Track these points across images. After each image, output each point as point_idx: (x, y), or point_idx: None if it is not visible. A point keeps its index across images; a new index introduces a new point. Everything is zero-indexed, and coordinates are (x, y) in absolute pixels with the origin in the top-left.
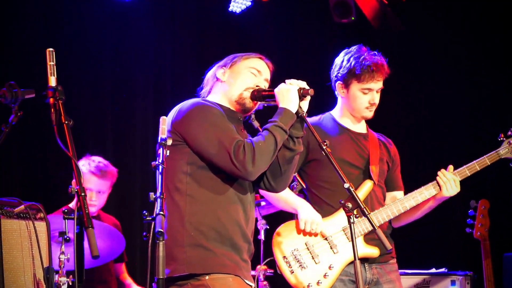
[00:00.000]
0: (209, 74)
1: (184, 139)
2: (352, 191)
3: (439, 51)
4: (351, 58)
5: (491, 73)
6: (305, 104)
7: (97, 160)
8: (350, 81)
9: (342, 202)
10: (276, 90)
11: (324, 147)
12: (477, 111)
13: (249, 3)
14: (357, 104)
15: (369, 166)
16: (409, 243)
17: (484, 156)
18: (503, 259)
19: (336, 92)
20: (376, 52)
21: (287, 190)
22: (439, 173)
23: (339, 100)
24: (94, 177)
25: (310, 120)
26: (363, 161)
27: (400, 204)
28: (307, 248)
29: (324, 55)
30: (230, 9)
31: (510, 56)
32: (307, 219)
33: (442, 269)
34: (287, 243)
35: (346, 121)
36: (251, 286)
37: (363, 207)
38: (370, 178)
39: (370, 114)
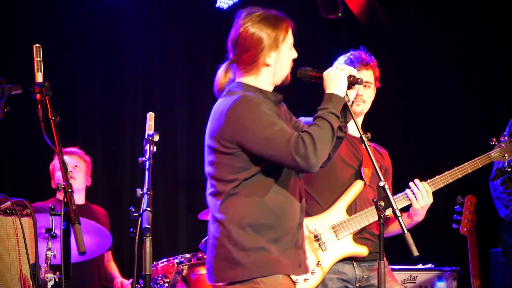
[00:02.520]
0: (249, 59)
1: (238, 145)
2: (387, 190)
3: (428, 47)
4: (346, 55)
5: (483, 70)
6: (352, 93)
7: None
8: None
9: (375, 200)
10: (325, 74)
11: (365, 140)
12: (469, 108)
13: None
14: None
15: (361, 167)
16: (396, 239)
17: (476, 158)
18: (490, 255)
19: None
20: (370, 54)
21: None
22: (411, 183)
23: None
24: (69, 156)
25: (306, 119)
26: (357, 162)
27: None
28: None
29: (311, 51)
30: (217, 5)
31: (504, 53)
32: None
33: (429, 265)
34: None
35: None
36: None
37: (395, 208)
38: (362, 179)
39: (357, 108)
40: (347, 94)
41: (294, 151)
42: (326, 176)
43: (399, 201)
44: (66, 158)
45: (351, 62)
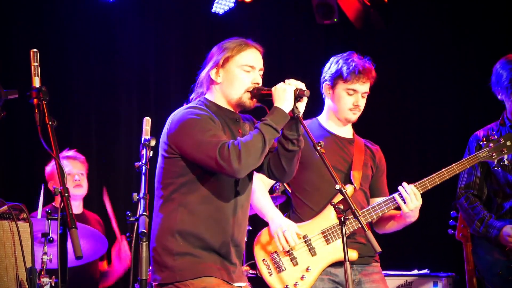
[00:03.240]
0: (203, 75)
1: (178, 151)
2: (344, 192)
3: (424, 50)
4: (340, 60)
5: (477, 73)
6: (301, 105)
7: (63, 152)
8: (337, 81)
9: (333, 203)
10: (273, 89)
11: (318, 148)
12: (465, 111)
13: (232, 4)
14: (341, 105)
15: (351, 171)
16: (391, 244)
17: (463, 159)
18: None
19: (323, 95)
20: (366, 58)
21: (265, 196)
22: (399, 187)
23: (326, 103)
24: (70, 161)
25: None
26: (346, 165)
27: (368, 213)
28: (286, 251)
29: (306, 56)
30: (213, 10)
31: (504, 53)
32: (278, 230)
33: (425, 271)
34: (267, 246)
35: (332, 125)
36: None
37: (354, 208)
38: (351, 182)
39: (353, 117)
40: (296, 107)
41: (218, 155)
42: (316, 182)
43: (387, 206)
44: (71, 164)
45: (349, 71)
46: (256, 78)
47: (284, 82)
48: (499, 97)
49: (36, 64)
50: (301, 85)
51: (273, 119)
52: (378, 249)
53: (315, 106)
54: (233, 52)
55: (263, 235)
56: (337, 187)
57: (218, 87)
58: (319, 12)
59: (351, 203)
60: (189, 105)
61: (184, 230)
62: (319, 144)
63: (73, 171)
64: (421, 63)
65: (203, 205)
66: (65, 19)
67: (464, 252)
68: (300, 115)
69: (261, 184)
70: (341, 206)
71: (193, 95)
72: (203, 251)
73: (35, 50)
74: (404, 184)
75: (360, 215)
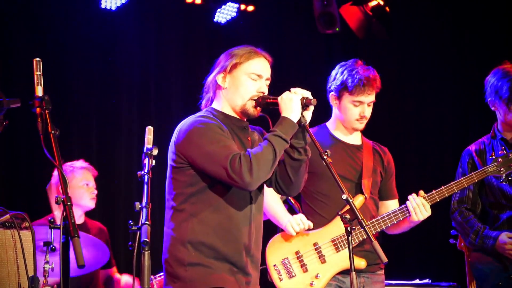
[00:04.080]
0: (210, 79)
1: (186, 160)
2: (351, 202)
3: (425, 60)
4: (345, 71)
5: (477, 73)
6: (308, 114)
7: (75, 162)
8: (342, 93)
9: (340, 213)
10: (279, 99)
11: (325, 157)
12: (466, 120)
13: (234, 14)
14: (348, 116)
15: (361, 179)
16: (393, 254)
17: (472, 173)
18: None
19: (331, 104)
20: (370, 67)
21: (278, 202)
22: (409, 197)
23: (333, 111)
24: (88, 172)
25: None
26: (356, 174)
27: (377, 223)
28: (297, 257)
29: (308, 65)
30: (215, 19)
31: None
32: (291, 220)
33: (426, 280)
34: (278, 251)
35: (340, 133)
36: None
37: (360, 218)
38: (362, 192)
39: (360, 126)
40: (303, 116)
41: (230, 168)
42: (327, 191)
43: (396, 216)
44: (90, 174)
45: (353, 84)
46: (262, 87)
47: (289, 91)
48: (492, 108)
49: (38, 73)
50: (307, 94)
51: (282, 129)
52: (385, 259)
53: (319, 114)
54: (242, 59)
55: (275, 241)
56: (344, 196)
57: (223, 93)
58: (321, 21)
59: (357, 213)
60: (197, 114)
61: (195, 240)
62: (326, 153)
63: (91, 184)
64: (422, 68)
65: (213, 214)
66: (67, 27)
67: (465, 262)
68: (307, 124)
69: (273, 191)
70: (348, 216)
71: (203, 102)
72: (216, 261)
73: (38, 59)
74: (413, 195)
75: (367, 225)
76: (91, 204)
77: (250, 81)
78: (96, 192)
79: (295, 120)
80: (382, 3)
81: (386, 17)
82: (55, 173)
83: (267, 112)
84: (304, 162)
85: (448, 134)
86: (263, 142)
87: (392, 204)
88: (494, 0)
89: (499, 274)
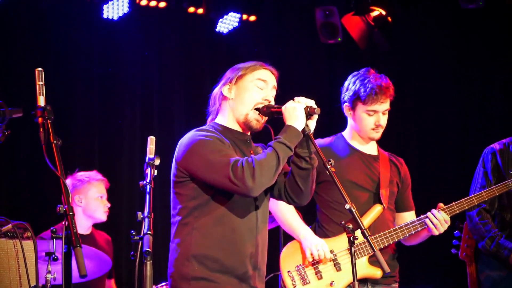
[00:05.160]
0: (216, 91)
1: (188, 173)
2: (354, 212)
3: (427, 71)
4: (357, 81)
5: (479, 81)
6: (312, 123)
7: (89, 172)
8: (356, 103)
9: (343, 223)
10: (283, 108)
11: (328, 167)
12: (464, 121)
13: (236, 24)
14: (363, 126)
15: (379, 189)
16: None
17: (493, 186)
18: None
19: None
20: (382, 75)
21: (294, 213)
22: (429, 215)
23: (348, 122)
24: (102, 184)
25: (323, 141)
26: (373, 184)
27: (395, 233)
28: (312, 264)
29: (310, 75)
30: (217, 29)
31: (502, 74)
32: (312, 246)
33: None
34: (293, 258)
35: (356, 143)
36: None
37: (363, 228)
38: (380, 201)
39: (377, 135)
40: (307, 125)
41: (232, 173)
42: (342, 201)
43: (414, 227)
44: (101, 187)
45: (366, 93)
46: (268, 95)
47: (293, 100)
48: None
49: (41, 83)
50: (311, 103)
51: (286, 137)
52: (387, 269)
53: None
54: (247, 70)
55: (290, 247)
56: (347, 206)
57: (229, 104)
58: (323, 31)
59: (360, 223)
60: (198, 128)
61: (199, 254)
62: (330, 162)
63: (105, 196)
64: (423, 77)
65: (217, 227)
66: (69, 37)
67: (467, 272)
68: (311, 133)
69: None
70: (351, 226)
71: (209, 118)
72: (220, 274)
73: (40, 69)
74: (434, 211)
75: (370, 235)
76: (103, 217)
77: (256, 88)
78: (109, 205)
79: (300, 128)
80: (384, 13)
81: (388, 27)
82: (68, 181)
83: (271, 124)
84: (312, 171)
85: (448, 134)
86: (267, 149)
87: (408, 216)
88: (494, 0)
89: (508, 282)
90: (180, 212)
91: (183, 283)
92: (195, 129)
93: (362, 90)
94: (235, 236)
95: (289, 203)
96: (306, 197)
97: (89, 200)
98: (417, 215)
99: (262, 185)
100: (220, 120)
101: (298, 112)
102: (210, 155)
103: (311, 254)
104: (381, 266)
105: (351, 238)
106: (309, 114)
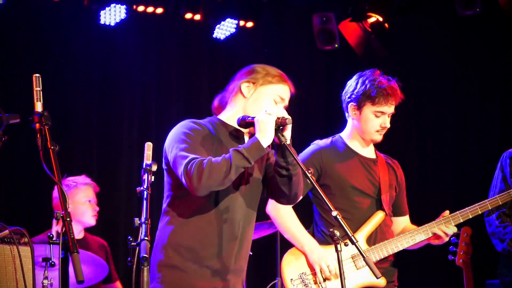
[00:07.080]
0: (235, 83)
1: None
2: (340, 219)
3: (424, 77)
4: (367, 81)
5: (479, 81)
6: (287, 133)
7: (77, 177)
8: (364, 103)
9: (331, 230)
10: (255, 119)
11: (309, 175)
12: (464, 121)
13: (233, 30)
14: (368, 127)
15: (381, 195)
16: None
17: (496, 196)
18: (486, 287)
19: (347, 114)
20: (390, 77)
21: (295, 220)
22: (439, 227)
23: (349, 123)
24: (90, 188)
25: (323, 143)
26: (375, 189)
27: (398, 242)
28: (315, 272)
29: (307, 81)
30: (214, 35)
31: (501, 75)
32: (321, 262)
33: None
34: (296, 266)
35: (355, 145)
36: None
37: (351, 235)
38: (381, 207)
39: (379, 137)
40: (283, 135)
41: (184, 171)
42: (345, 208)
43: (418, 234)
44: (92, 191)
45: (378, 93)
46: (279, 110)
47: (265, 111)
48: None
49: (38, 89)
50: (283, 113)
51: (247, 149)
52: (379, 275)
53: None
54: (274, 79)
55: (291, 254)
56: (334, 213)
57: (242, 101)
58: (321, 38)
59: (347, 230)
60: (192, 120)
61: (174, 242)
62: (309, 171)
63: (93, 200)
64: (422, 82)
65: (194, 217)
66: (66, 43)
67: (464, 278)
68: (288, 143)
69: (290, 209)
70: (338, 233)
71: (217, 102)
72: (193, 263)
73: (37, 75)
74: (443, 227)
75: (357, 241)
76: (92, 221)
77: (272, 102)
78: (97, 209)
79: (265, 143)
80: (381, 19)
81: (385, 33)
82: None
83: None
84: (294, 176)
85: (448, 134)
86: (227, 154)
87: (403, 221)
88: (494, 0)
89: None
90: (165, 200)
91: (158, 270)
92: (189, 120)
93: (373, 90)
94: (211, 228)
95: (278, 202)
96: (293, 197)
97: (76, 204)
98: (417, 215)
99: (208, 187)
100: (223, 115)
101: (267, 127)
102: (176, 148)
103: (321, 270)
104: (372, 271)
105: (338, 246)
106: (281, 125)
